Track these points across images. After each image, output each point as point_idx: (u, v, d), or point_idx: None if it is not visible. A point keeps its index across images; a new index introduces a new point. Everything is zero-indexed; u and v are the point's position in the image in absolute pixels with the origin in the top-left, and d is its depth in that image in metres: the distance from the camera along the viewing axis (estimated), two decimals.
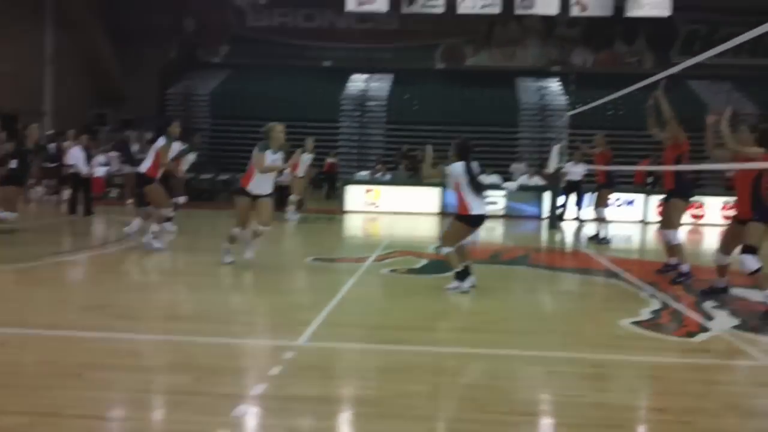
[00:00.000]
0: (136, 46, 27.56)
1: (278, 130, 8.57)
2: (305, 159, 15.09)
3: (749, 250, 6.35)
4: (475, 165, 7.26)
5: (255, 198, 8.34)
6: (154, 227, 9.79)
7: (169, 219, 10.63)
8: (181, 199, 12.16)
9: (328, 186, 22.53)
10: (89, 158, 14.72)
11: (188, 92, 27.07)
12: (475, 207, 7.17)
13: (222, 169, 21.07)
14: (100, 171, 18.46)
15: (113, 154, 19.42)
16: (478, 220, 7.28)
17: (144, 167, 9.68)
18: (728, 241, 7.03)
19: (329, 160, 22.74)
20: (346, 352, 5.06)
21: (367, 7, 25.53)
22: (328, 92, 27.05)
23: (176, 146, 10.13)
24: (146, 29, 27.55)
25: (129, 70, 27.79)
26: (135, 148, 17.75)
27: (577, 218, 16.10)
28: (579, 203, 16.03)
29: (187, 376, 4.25)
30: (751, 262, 6.30)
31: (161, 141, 9.68)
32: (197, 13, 29.41)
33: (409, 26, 28.65)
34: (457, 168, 7.16)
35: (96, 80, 27.71)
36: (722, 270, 7.20)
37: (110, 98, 27.69)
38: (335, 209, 17.73)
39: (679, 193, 8.57)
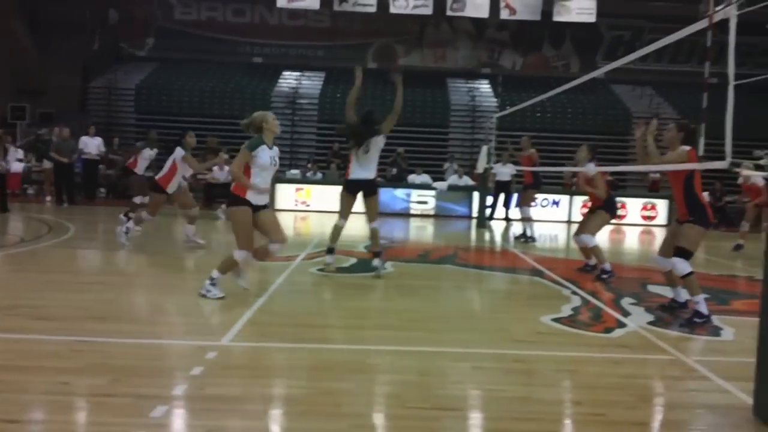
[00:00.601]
0: (58, 37, 26.58)
1: (272, 117, 6.93)
2: None
3: (682, 253, 6.18)
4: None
5: (256, 209, 6.49)
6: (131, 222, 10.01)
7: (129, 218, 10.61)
8: (137, 199, 11.74)
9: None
10: (5, 154, 14.09)
11: (111, 86, 26.21)
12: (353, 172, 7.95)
13: (147, 166, 20.46)
14: (16, 167, 17.75)
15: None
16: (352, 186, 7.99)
17: (159, 174, 9.84)
18: (668, 244, 6.64)
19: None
20: (272, 351, 5.01)
21: (298, 4, 25.39)
22: (258, 89, 26.73)
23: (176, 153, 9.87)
24: (68, 20, 26.60)
25: (50, 63, 26.76)
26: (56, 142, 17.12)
27: (505, 218, 16.46)
28: (507, 203, 16.39)
29: (104, 377, 4.13)
30: (682, 266, 6.15)
31: (179, 152, 9.69)
32: (121, 4, 28.57)
33: (341, 25, 28.63)
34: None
35: (15, 72, 26.57)
36: (669, 277, 6.73)
37: (30, 91, 26.58)
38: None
39: (608, 209, 8.89)
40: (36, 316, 5.66)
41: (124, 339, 5.05)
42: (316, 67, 28.73)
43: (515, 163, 15.21)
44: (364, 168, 7.97)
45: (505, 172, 16.03)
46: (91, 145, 17.51)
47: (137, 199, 11.68)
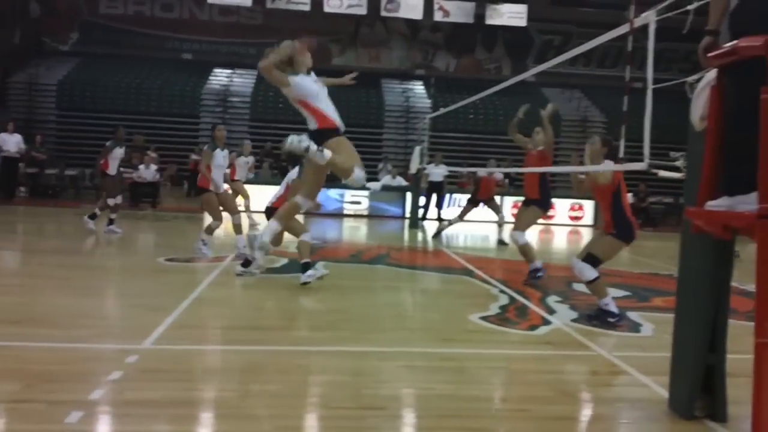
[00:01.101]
0: None
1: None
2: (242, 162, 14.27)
3: (591, 259, 6.25)
4: None
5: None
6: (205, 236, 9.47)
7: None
8: (111, 201, 11.27)
9: (189, 184, 21.77)
10: None
11: (32, 81, 25.20)
12: None
13: (68, 164, 19.79)
14: None
15: None
16: None
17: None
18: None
19: (194, 157, 21.88)
20: (197, 354, 4.90)
21: (229, 0, 25.02)
22: (187, 86, 26.20)
23: (220, 154, 9.48)
24: None
25: None
26: None
27: (438, 218, 16.61)
28: (440, 204, 16.58)
29: (17, 383, 3.94)
30: (589, 272, 6.22)
31: (205, 147, 9.51)
32: None
33: (275, 22, 28.34)
34: None
35: None
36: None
37: None
38: (197, 208, 17.19)
39: (540, 203, 8.73)
40: None
41: (40, 343, 4.85)
42: (248, 65, 28.38)
43: (448, 164, 15.44)
44: None
45: (437, 172, 16.20)
46: (10, 142, 16.83)
47: (111, 201, 11.28)
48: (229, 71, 27.96)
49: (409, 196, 17.38)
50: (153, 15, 28.37)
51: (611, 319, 6.19)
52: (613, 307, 6.25)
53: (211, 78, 27.32)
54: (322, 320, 6.23)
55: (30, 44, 27.47)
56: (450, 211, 17.22)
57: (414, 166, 16.08)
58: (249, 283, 7.64)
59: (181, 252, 9.65)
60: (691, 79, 3.71)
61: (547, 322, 6.22)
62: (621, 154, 5.80)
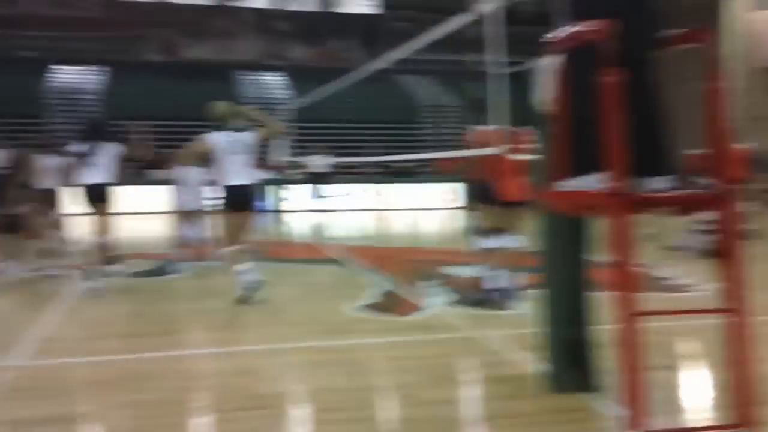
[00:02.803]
0: None
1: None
2: None
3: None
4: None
5: None
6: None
7: None
8: None
9: None
10: None
11: None
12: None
13: None
14: None
15: None
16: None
17: None
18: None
19: None
20: (63, 367, 4.64)
21: None
22: (27, 86, 24.36)
23: None
24: None
25: None
26: None
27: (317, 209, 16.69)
28: (321, 194, 16.72)
29: None
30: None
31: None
32: None
33: (117, 16, 26.96)
34: None
35: None
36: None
37: None
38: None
39: None
40: None
41: None
42: (92, 61, 26.81)
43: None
44: None
45: (319, 164, 16.42)
46: None
47: None
48: (74, 68, 26.33)
49: (272, 189, 17.20)
50: None
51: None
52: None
53: (53, 76, 25.61)
54: (198, 322, 6.06)
55: None
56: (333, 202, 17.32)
57: (274, 158, 15.92)
58: (117, 288, 7.29)
59: (42, 261, 9.02)
60: (534, 63, 3.87)
61: (421, 308, 6.39)
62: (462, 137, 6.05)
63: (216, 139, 6.68)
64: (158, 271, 8.54)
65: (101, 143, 7.40)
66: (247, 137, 6.78)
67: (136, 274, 8.19)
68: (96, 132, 7.56)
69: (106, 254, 7.56)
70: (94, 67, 26.51)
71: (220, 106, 6.88)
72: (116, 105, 24.03)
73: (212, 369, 4.60)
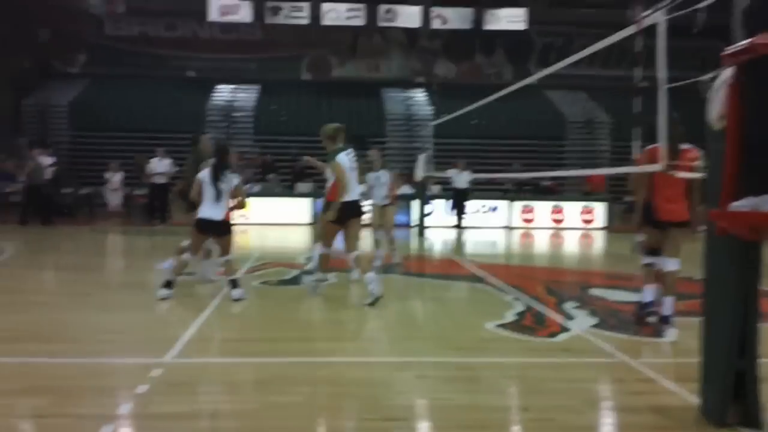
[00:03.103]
0: None
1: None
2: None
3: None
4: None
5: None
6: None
7: None
8: None
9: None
10: None
11: (44, 103, 25.40)
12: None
13: (83, 183, 19.87)
14: None
15: None
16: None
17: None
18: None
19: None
20: (217, 366, 4.88)
21: (230, 18, 25.11)
22: (193, 103, 26.27)
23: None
24: None
25: None
26: None
27: (457, 226, 16.63)
28: (461, 211, 16.68)
29: (46, 398, 3.98)
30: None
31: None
32: (51, 21, 27.71)
33: (274, 37, 28.44)
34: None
35: None
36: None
37: None
38: None
39: None
40: None
41: (66, 359, 4.91)
42: (250, 80, 28.42)
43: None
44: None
45: (461, 179, 16.42)
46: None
47: None
48: (232, 87, 28.05)
49: (415, 204, 17.30)
50: (157, 35, 28.50)
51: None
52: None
53: (214, 94, 27.40)
54: (338, 331, 6.18)
55: (40, 68, 27.71)
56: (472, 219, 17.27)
57: (419, 174, 16.02)
58: (262, 295, 7.60)
59: (194, 266, 9.60)
60: (705, 77, 3.64)
61: (565, 329, 6.13)
62: (634, 156, 5.73)
63: (342, 159, 7.19)
64: (298, 280, 8.78)
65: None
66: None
67: (280, 282, 8.46)
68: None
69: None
70: (249, 86, 28.08)
71: (331, 127, 7.46)
72: (265, 122, 25.39)
73: (349, 377, 4.65)
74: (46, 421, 3.70)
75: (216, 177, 7.19)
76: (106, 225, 16.59)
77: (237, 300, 7.14)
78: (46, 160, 16.81)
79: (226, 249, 7.39)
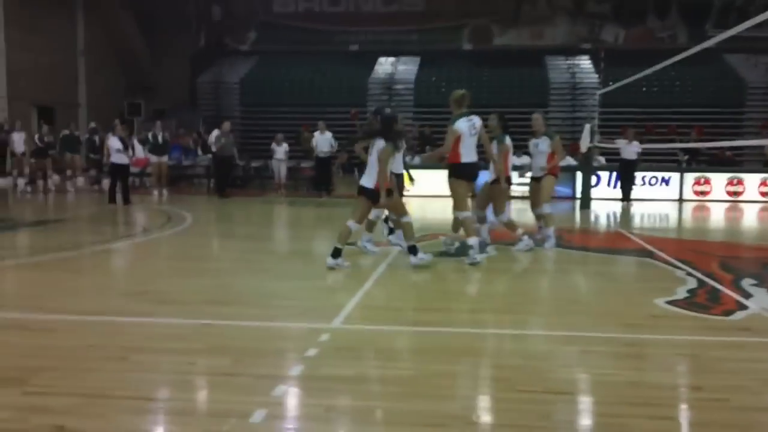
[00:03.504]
0: (165, 35, 27.88)
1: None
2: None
3: None
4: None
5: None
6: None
7: None
8: None
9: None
10: (126, 148, 14.89)
11: (218, 80, 27.28)
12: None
13: (253, 156, 21.22)
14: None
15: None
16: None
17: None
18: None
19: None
20: (380, 333, 5.12)
21: None
22: (355, 77, 27.05)
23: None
24: (174, 18, 27.81)
25: (159, 60, 28.12)
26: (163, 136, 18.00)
27: (625, 198, 16.02)
28: (630, 183, 16.01)
29: (226, 358, 4.36)
30: None
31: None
32: (224, 0, 29.55)
33: (435, 7, 28.48)
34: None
35: (128, 71, 28.09)
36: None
37: (142, 88, 28.04)
38: None
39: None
40: (162, 300, 6.02)
41: (242, 322, 5.31)
42: (411, 52, 28.74)
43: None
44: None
45: (630, 150, 15.73)
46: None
47: None
48: (392, 59, 28.52)
49: (579, 175, 16.83)
50: (322, 10, 29.56)
51: None
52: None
53: (376, 67, 28.01)
54: (499, 303, 6.25)
55: (213, 46, 29.69)
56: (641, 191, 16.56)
57: (585, 145, 15.53)
58: (424, 265, 7.79)
59: (358, 236, 10.05)
60: None
61: (743, 307, 5.82)
62: None
63: (460, 124, 7.70)
64: (463, 251, 8.87)
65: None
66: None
67: (440, 253, 8.60)
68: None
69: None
70: (410, 58, 28.38)
71: (458, 93, 7.93)
72: (425, 94, 25.56)
73: (513, 349, 4.73)
74: (225, 380, 4.01)
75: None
76: (275, 196, 17.53)
77: (415, 266, 7.38)
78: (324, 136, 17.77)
79: (395, 209, 7.80)
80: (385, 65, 28.22)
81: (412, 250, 7.47)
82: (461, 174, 7.84)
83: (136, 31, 27.66)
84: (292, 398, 3.80)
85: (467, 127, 7.71)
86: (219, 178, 17.44)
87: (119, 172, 14.66)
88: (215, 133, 17.81)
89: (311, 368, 4.20)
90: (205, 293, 6.30)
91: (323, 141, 17.10)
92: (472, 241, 7.74)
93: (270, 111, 25.23)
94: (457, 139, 7.67)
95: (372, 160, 7.39)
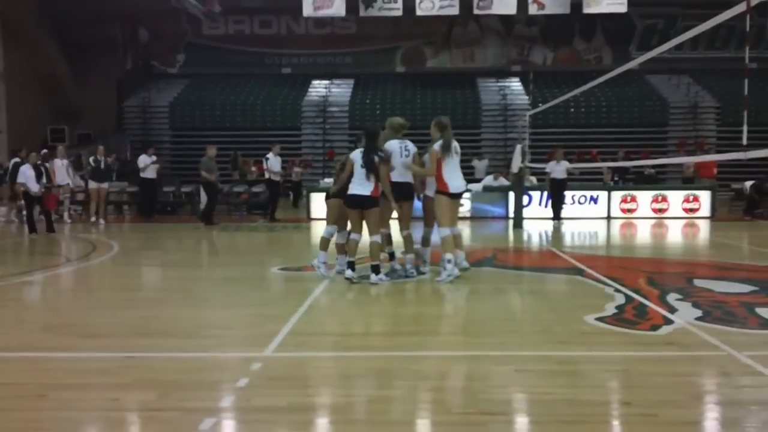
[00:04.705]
0: (91, 59, 27.21)
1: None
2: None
3: None
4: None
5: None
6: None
7: None
8: None
9: (294, 194, 22.34)
10: (39, 176, 14.20)
11: (146, 104, 26.72)
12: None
13: (183, 181, 20.80)
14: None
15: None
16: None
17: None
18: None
19: (296, 169, 22.29)
20: (315, 360, 5.03)
21: (324, 12, 25.51)
22: (288, 99, 26.95)
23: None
24: (99, 41, 27.21)
25: (85, 84, 27.38)
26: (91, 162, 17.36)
27: (555, 217, 16.31)
28: (559, 202, 16.32)
29: (152, 392, 4.19)
30: None
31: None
32: (150, 22, 29.07)
33: (368, 30, 28.75)
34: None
35: (51, 95, 27.22)
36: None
37: (67, 113, 27.21)
38: (302, 218, 17.64)
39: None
40: (84, 334, 5.77)
41: (170, 353, 5.14)
42: (344, 75, 28.87)
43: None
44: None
45: (559, 170, 16.05)
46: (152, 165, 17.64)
47: None
48: (326, 82, 28.57)
49: (511, 196, 17.12)
50: (253, 32, 29.41)
51: None
52: None
53: (310, 90, 28.00)
54: (434, 325, 6.24)
55: (141, 69, 29.11)
56: (571, 210, 16.91)
57: (516, 165, 15.81)
58: (360, 288, 7.74)
59: (293, 261, 9.94)
60: None
61: (669, 321, 5.96)
62: (744, 141, 5.49)
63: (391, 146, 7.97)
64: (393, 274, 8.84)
65: None
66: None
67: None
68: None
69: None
70: (344, 81, 28.50)
71: (394, 121, 8.30)
72: (359, 116, 25.66)
73: (447, 371, 4.72)
74: (151, 415, 3.87)
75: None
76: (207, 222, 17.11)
77: (374, 284, 7.68)
78: (147, 160, 17.60)
79: (374, 226, 7.90)
80: (318, 88, 28.22)
81: (360, 267, 7.98)
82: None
83: (60, 55, 26.88)
84: (221, 431, 3.67)
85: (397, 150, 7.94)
86: (147, 202, 17.25)
87: (33, 200, 14.06)
88: (143, 157, 17.50)
89: (242, 399, 4.08)
90: (130, 325, 6.07)
91: (276, 163, 16.76)
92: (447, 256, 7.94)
93: (201, 135, 24.79)
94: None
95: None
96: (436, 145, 7.96)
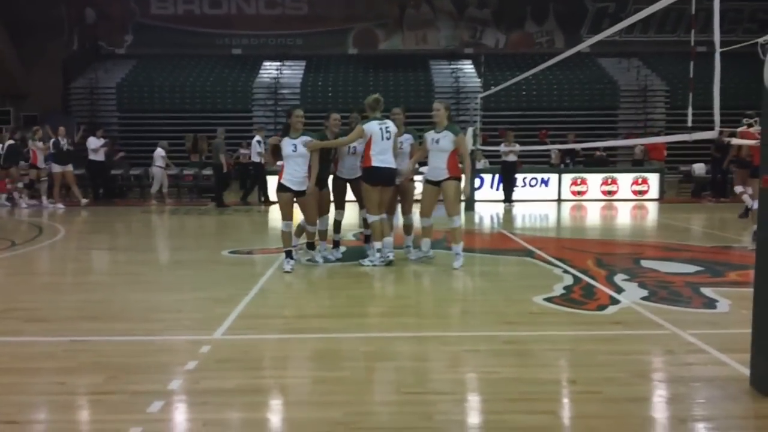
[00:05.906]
0: (36, 39, 26.31)
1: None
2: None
3: None
4: None
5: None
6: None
7: None
8: None
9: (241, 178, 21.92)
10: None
11: (93, 86, 25.98)
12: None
13: (133, 164, 20.34)
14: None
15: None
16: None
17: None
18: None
19: (242, 151, 21.91)
20: (264, 342, 5.00)
21: None
22: (239, 81, 26.54)
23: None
24: (45, 21, 26.32)
25: (30, 65, 26.47)
26: (39, 144, 16.80)
27: (506, 200, 16.45)
28: (511, 185, 16.48)
29: (99, 376, 4.14)
30: None
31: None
32: (98, 2, 28.23)
33: (320, 11, 28.44)
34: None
35: None
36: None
37: (12, 94, 26.29)
38: (253, 201, 17.44)
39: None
40: (30, 318, 5.66)
41: (118, 337, 5.07)
42: (296, 56, 28.54)
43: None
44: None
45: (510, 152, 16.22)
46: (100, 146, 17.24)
47: None
48: (278, 64, 28.19)
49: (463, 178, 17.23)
50: (202, 12, 28.80)
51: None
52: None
53: (261, 71, 27.60)
54: (383, 306, 6.27)
55: (88, 50, 28.27)
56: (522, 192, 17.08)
57: (468, 148, 15.89)
58: (311, 271, 7.72)
59: (244, 244, 9.84)
60: (762, 40, 3.55)
61: (615, 302, 6.10)
62: (689, 123, 5.60)
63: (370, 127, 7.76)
64: (349, 256, 8.84)
65: None
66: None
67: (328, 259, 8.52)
68: None
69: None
70: (296, 62, 28.16)
71: (371, 96, 8.14)
72: (311, 98, 25.42)
73: (398, 352, 4.74)
74: (98, 398, 3.83)
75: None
76: (157, 205, 16.93)
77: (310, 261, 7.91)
78: (97, 142, 17.19)
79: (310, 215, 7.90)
80: (269, 69, 27.85)
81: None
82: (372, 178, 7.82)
83: (5, 35, 25.89)
84: (168, 414, 3.63)
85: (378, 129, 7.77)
86: (96, 185, 17.06)
87: None
88: (92, 139, 17.08)
89: (190, 382, 4.05)
90: (78, 309, 5.97)
91: (260, 147, 16.28)
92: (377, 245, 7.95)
93: (149, 117, 24.31)
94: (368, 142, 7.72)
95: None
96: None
